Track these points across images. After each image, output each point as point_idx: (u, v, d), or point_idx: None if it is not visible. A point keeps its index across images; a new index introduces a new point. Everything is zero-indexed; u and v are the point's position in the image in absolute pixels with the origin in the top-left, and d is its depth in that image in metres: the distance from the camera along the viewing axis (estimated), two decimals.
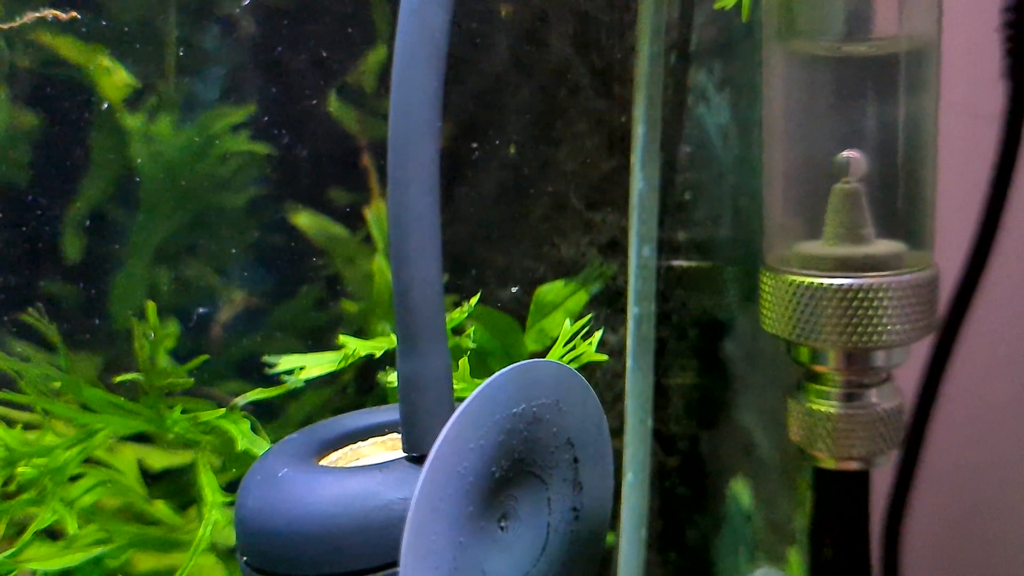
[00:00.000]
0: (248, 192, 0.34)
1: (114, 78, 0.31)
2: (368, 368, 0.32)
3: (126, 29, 0.31)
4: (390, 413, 0.25)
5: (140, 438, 0.31)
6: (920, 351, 0.44)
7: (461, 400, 0.20)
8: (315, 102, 0.34)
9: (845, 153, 0.29)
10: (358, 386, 0.35)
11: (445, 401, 0.21)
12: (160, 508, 0.29)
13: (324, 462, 0.23)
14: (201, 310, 0.34)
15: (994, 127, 0.41)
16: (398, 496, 0.21)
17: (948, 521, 0.49)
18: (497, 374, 0.21)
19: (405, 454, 0.22)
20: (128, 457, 0.30)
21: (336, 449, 0.24)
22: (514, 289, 0.34)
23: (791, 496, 0.40)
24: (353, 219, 0.35)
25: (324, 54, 0.34)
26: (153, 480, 0.31)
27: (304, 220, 0.34)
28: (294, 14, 0.33)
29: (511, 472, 0.22)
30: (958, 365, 0.44)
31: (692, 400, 0.38)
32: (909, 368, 0.44)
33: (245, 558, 0.21)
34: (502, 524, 0.22)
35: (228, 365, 0.34)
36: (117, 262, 0.33)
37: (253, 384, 0.31)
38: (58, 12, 0.28)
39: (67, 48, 0.30)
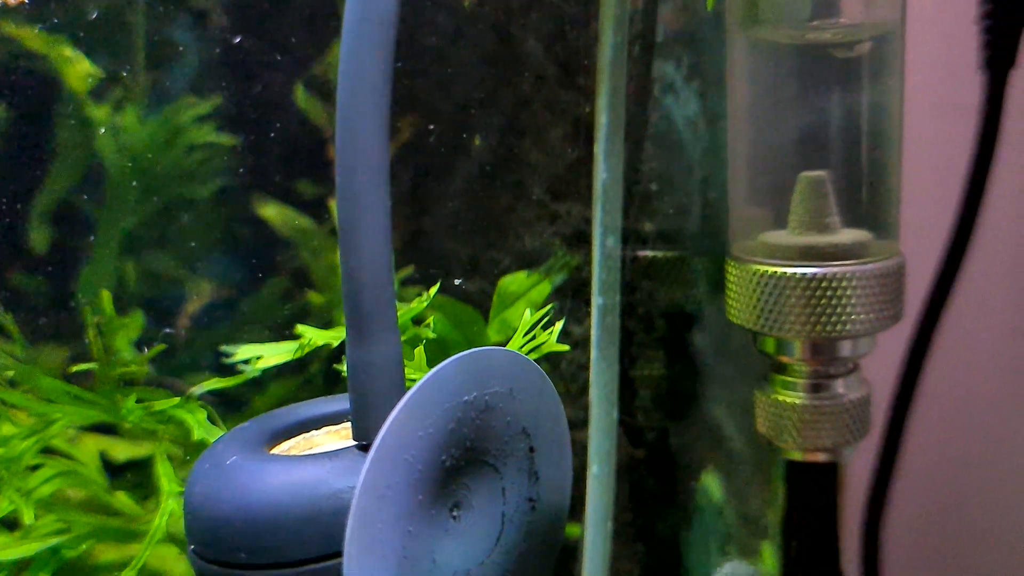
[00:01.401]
0: (214, 184, 0.34)
1: (77, 68, 0.31)
2: (336, 357, 0.32)
3: (91, 19, 0.31)
4: (346, 402, 0.25)
5: (104, 429, 0.31)
6: (898, 344, 0.44)
7: None
8: (282, 94, 0.34)
9: None
10: (325, 376, 0.35)
11: (395, 389, 0.21)
12: (121, 499, 0.29)
13: (277, 451, 0.23)
14: (167, 329, 0.34)
15: (972, 119, 0.41)
16: (347, 485, 0.20)
17: (928, 515, 0.49)
18: (446, 361, 0.20)
19: (355, 443, 0.22)
20: (90, 448, 0.30)
21: (289, 438, 0.24)
22: (457, 281, 0.34)
23: (763, 489, 0.40)
24: (319, 211, 0.35)
25: (291, 46, 0.34)
26: (117, 471, 0.31)
27: (271, 212, 0.34)
28: (261, 5, 0.33)
29: (463, 461, 0.21)
30: (937, 359, 0.44)
31: (660, 392, 0.38)
32: (887, 362, 0.44)
33: (193, 547, 0.21)
34: (454, 513, 0.22)
35: (196, 356, 0.34)
36: (84, 253, 0.33)
37: (221, 375, 0.30)
38: None
39: (30, 38, 0.30)
